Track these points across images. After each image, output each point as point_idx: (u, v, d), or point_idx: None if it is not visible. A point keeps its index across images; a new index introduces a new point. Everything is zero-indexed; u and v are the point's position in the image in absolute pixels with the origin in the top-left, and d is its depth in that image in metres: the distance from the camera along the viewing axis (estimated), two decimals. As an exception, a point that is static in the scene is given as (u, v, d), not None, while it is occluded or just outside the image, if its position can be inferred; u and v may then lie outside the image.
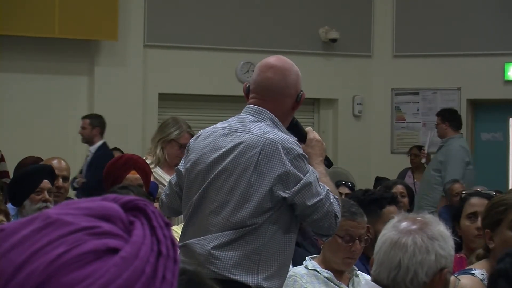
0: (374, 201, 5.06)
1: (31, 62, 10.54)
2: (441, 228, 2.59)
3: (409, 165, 11.22)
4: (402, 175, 10.67)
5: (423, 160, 10.76)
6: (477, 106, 11.97)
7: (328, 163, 4.01)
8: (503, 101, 11.70)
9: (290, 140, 3.60)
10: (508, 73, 11.62)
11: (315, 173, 3.61)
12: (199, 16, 11.17)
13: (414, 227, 2.57)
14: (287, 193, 3.55)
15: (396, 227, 2.59)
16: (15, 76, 10.48)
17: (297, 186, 3.54)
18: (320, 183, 3.62)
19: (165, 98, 11.13)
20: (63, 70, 10.66)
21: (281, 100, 3.68)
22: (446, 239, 2.57)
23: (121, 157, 5.40)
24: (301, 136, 3.84)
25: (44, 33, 10.29)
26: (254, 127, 3.62)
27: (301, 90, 3.73)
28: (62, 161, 5.88)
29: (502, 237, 3.66)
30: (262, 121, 3.64)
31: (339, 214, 3.63)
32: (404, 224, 2.59)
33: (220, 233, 3.59)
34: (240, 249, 3.57)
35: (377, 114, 11.97)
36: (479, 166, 11.93)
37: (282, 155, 3.54)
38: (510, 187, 11.31)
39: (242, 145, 3.60)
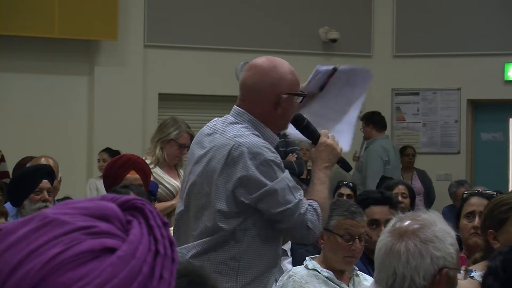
0: (360, 202, 5.05)
1: (31, 62, 10.53)
2: (436, 228, 2.55)
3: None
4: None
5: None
6: (477, 106, 11.96)
7: (344, 166, 3.86)
8: (503, 101, 11.69)
9: (259, 144, 3.48)
10: (508, 73, 11.61)
11: (287, 180, 3.49)
12: (199, 16, 11.16)
13: (407, 231, 2.53)
14: (248, 198, 3.46)
15: (390, 232, 2.57)
16: (15, 76, 10.48)
17: (259, 192, 3.45)
18: (295, 191, 3.50)
19: (165, 98, 11.13)
20: (63, 70, 10.65)
21: (258, 102, 3.58)
22: (442, 239, 2.53)
23: (121, 157, 5.39)
24: (314, 139, 3.76)
25: (44, 33, 10.29)
26: (230, 129, 3.56)
27: (289, 93, 3.57)
28: (50, 159, 5.86)
29: (508, 236, 3.66)
30: (240, 123, 3.58)
31: (313, 225, 3.50)
32: (398, 228, 2.56)
33: (198, 242, 3.54)
34: (218, 257, 3.51)
35: (377, 114, 11.96)
36: (479, 166, 11.93)
37: (247, 159, 3.45)
38: (510, 187, 11.31)
39: (214, 148, 3.56)
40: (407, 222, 2.57)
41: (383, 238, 2.57)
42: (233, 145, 3.49)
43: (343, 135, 3.94)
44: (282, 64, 3.63)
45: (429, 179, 11.08)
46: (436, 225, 2.54)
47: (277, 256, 3.69)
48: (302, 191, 3.59)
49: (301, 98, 3.66)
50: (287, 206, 3.46)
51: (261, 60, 3.65)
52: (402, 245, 2.49)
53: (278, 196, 3.45)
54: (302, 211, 3.48)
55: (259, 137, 3.55)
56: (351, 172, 10.28)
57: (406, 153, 11.22)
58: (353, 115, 4.05)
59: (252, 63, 3.66)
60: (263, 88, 3.57)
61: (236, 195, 3.48)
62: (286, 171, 3.56)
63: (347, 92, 4.04)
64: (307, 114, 3.90)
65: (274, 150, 3.54)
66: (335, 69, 3.91)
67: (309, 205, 3.52)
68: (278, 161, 3.51)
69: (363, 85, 4.09)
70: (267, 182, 3.45)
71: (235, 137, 3.52)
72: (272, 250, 3.60)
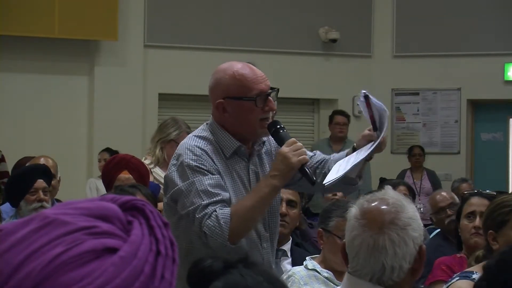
0: None
1: (31, 62, 10.53)
2: (408, 209, 2.52)
3: (407, 166, 11.24)
4: (401, 176, 10.68)
5: None
6: (477, 106, 11.97)
7: (306, 177, 3.50)
8: (503, 101, 11.70)
9: (185, 146, 3.50)
10: (508, 73, 11.62)
11: (198, 184, 3.41)
12: (199, 16, 11.16)
13: (384, 221, 2.48)
14: (166, 198, 3.52)
15: (365, 225, 2.50)
16: (15, 76, 10.48)
17: (171, 192, 3.47)
18: (206, 196, 3.40)
19: (165, 98, 11.13)
20: (63, 70, 10.66)
21: (212, 106, 3.61)
22: (415, 218, 2.50)
23: (114, 158, 5.39)
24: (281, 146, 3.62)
25: (44, 33, 10.29)
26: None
27: (226, 98, 3.51)
28: (49, 159, 5.86)
29: (507, 238, 3.66)
30: (204, 126, 3.62)
31: (210, 232, 3.37)
32: (373, 220, 2.49)
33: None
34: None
35: (377, 114, 11.96)
36: (479, 166, 11.94)
37: (172, 160, 3.52)
38: (510, 187, 11.31)
39: None
40: (377, 210, 2.51)
41: (359, 234, 2.50)
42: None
43: (336, 175, 3.65)
44: (227, 68, 3.62)
45: (438, 180, 11.05)
46: (405, 205, 2.51)
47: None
48: (218, 197, 3.44)
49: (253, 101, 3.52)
50: (188, 209, 3.42)
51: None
52: (385, 238, 2.45)
53: (184, 197, 3.44)
54: (198, 216, 3.40)
55: (207, 139, 3.54)
56: None
57: (413, 153, 11.21)
58: (357, 162, 3.80)
59: None
60: (209, 93, 3.63)
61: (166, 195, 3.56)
62: (210, 176, 3.45)
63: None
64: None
65: (200, 153, 3.47)
66: (366, 96, 3.80)
67: (214, 211, 3.41)
68: (195, 164, 3.45)
69: (384, 126, 3.92)
70: (178, 182, 3.46)
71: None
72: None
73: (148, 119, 10.83)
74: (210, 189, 3.43)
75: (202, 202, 3.41)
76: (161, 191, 5.91)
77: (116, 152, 9.15)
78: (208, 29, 11.17)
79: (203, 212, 3.40)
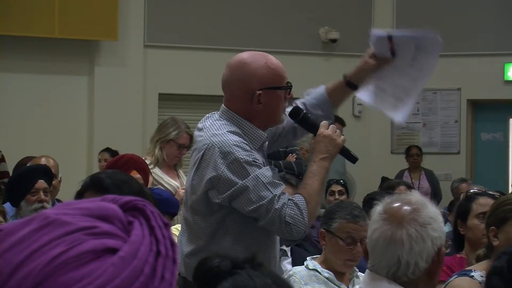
0: (367, 201, 5.08)
1: (31, 62, 10.53)
2: (430, 210, 2.54)
3: (407, 166, 11.25)
4: (399, 176, 10.69)
5: None
6: (477, 106, 11.97)
7: (348, 157, 3.69)
8: (503, 101, 11.70)
9: (231, 143, 3.40)
10: (508, 73, 11.62)
11: (262, 177, 3.38)
12: (199, 16, 11.16)
13: (404, 216, 2.51)
14: (220, 198, 3.40)
15: (386, 220, 2.53)
16: (15, 76, 10.48)
17: (229, 191, 3.38)
18: (272, 187, 3.39)
19: (165, 98, 11.13)
20: (63, 70, 10.65)
21: (233, 99, 3.54)
22: (436, 219, 2.53)
23: (122, 157, 5.38)
24: (314, 131, 3.65)
25: (44, 33, 10.29)
26: (212, 127, 3.51)
27: (264, 88, 3.47)
28: (50, 159, 5.86)
29: (508, 235, 3.67)
30: (222, 120, 3.53)
31: (293, 220, 3.38)
32: (393, 215, 2.52)
33: (190, 240, 3.52)
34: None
35: (377, 114, 11.93)
36: (479, 166, 11.94)
37: (217, 159, 3.38)
38: (510, 187, 11.31)
39: (196, 147, 3.53)
40: (399, 206, 2.53)
41: (379, 227, 2.53)
42: (208, 145, 3.44)
43: (405, 107, 3.78)
44: (256, 59, 3.53)
45: (436, 180, 11.06)
46: (427, 205, 2.53)
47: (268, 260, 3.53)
48: (282, 187, 3.46)
49: (288, 90, 3.57)
50: (260, 203, 3.37)
51: (236, 57, 3.59)
52: (403, 232, 2.47)
53: (249, 193, 3.37)
54: (277, 207, 3.37)
55: (238, 134, 3.47)
56: None
57: (411, 153, 11.22)
58: (421, 85, 3.91)
59: (229, 60, 3.61)
60: (233, 85, 3.54)
61: (209, 196, 3.43)
62: (265, 168, 3.45)
63: (421, 59, 3.83)
64: (379, 81, 3.80)
65: (248, 148, 3.43)
66: (390, 37, 3.75)
67: (289, 199, 3.41)
68: (251, 158, 3.40)
69: (435, 51, 3.82)
70: (237, 180, 3.37)
71: (212, 137, 3.46)
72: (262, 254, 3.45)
73: (148, 119, 10.83)
74: (274, 180, 3.44)
75: (276, 193, 3.40)
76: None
77: (116, 152, 9.14)
78: (208, 29, 11.17)
79: (281, 203, 3.39)
